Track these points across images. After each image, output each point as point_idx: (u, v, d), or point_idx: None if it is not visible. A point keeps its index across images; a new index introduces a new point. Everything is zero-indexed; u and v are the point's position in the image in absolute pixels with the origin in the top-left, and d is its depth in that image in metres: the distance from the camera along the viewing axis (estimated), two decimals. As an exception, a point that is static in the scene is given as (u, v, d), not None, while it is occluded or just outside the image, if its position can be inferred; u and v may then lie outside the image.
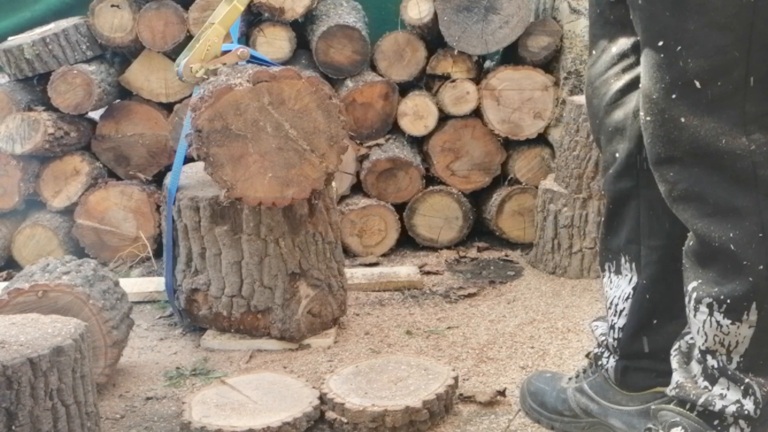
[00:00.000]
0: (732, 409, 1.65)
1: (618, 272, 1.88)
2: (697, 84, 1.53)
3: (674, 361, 1.75)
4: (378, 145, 3.42)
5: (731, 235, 1.57)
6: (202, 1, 3.26)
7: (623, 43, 1.77)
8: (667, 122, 1.57)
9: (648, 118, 1.59)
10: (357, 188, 3.41)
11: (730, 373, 1.65)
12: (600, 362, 1.97)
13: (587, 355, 2.04)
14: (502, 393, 2.25)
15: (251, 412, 2.08)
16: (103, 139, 3.42)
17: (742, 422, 1.66)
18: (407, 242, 3.43)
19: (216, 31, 2.54)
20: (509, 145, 3.43)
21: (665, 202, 1.70)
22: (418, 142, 3.49)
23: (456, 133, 3.37)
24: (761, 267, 1.57)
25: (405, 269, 3.18)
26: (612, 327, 1.90)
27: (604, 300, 1.93)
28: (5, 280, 3.11)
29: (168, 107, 3.41)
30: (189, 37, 3.13)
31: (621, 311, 1.87)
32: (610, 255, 1.89)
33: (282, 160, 2.40)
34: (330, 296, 2.62)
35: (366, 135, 3.42)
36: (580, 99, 3.02)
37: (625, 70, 1.78)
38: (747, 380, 1.64)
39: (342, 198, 3.37)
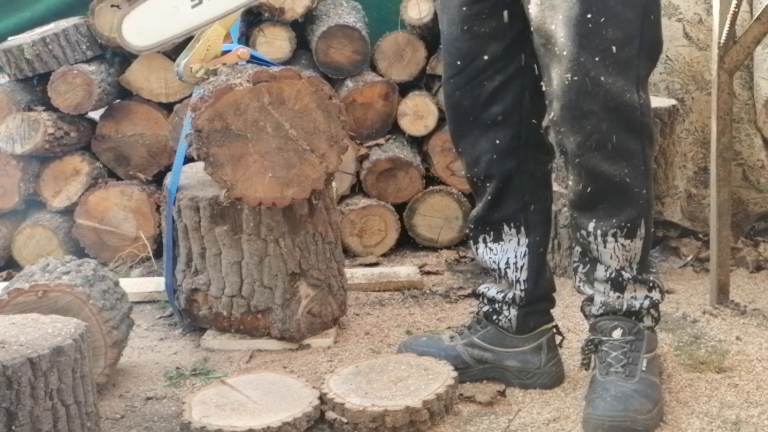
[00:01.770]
0: (646, 303, 2.14)
1: (497, 240, 2.28)
2: (614, 49, 1.96)
3: (586, 288, 2.17)
4: (378, 145, 3.42)
5: (626, 171, 2.03)
6: (202, 1, 3.26)
7: (494, 50, 2.14)
8: (591, 80, 1.96)
9: (575, 78, 1.97)
10: (357, 188, 3.41)
11: (639, 278, 2.13)
12: (495, 318, 2.31)
13: (477, 314, 2.37)
14: (502, 393, 2.25)
15: (251, 412, 2.08)
16: (103, 139, 3.42)
17: (652, 311, 2.17)
18: (407, 242, 3.43)
19: (216, 31, 2.54)
20: (509, 145, 3.42)
21: (542, 171, 2.26)
22: (418, 142, 3.50)
23: (456, 133, 3.37)
24: (644, 191, 2.07)
25: (405, 269, 3.18)
26: (517, 281, 2.27)
27: (490, 264, 2.29)
28: (5, 280, 3.11)
29: (168, 107, 3.41)
30: (189, 37, 3.13)
31: (522, 267, 2.27)
32: (488, 227, 2.28)
33: (282, 160, 2.40)
34: (330, 296, 2.62)
35: (366, 135, 3.42)
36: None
37: (496, 73, 2.16)
38: (650, 278, 2.15)
39: (342, 198, 3.37)
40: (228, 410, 2.09)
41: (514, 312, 2.29)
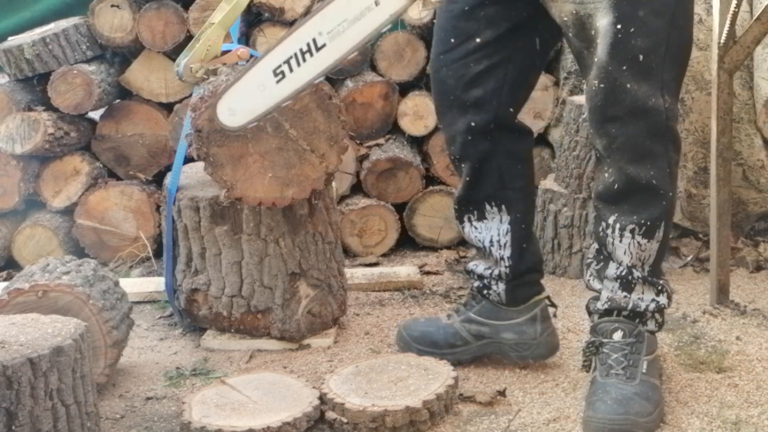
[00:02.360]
0: (652, 306, 2.18)
1: (481, 218, 2.35)
2: (641, 57, 2.02)
3: (595, 284, 2.23)
4: (378, 145, 3.42)
5: (652, 173, 2.09)
6: (202, 1, 3.26)
7: (488, 35, 2.21)
8: (617, 88, 2.03)
9: (602, 85, 2.05)
10: (357, 188, 3.41)
11: (649, 280, 2.17)
12: (486, 292, 2.39)
13: (470, 289, 2.45)
14: (502, 393, 2.25)
15: (251, 412, 2.08)
16: (103, 139, 3.42)
17: (657, 315, 2.21)
18: (407, 242, 3.43)
19: (216, 31, 2.54)
20: (509, 145, 3.42)
21: (519, 150, 2.33)
22: (418, 142, 3.49)
23: (456, 133, 3.37)
24: (670, 194, 2.13)
25: (405, 269, 3.18)
26: (501, 258, 2.35)
27: (476, 242, 2.37)
28: (5, 280, 3.11)
29: (168, 107, 3.41)
30: (189, 37, 3.13)
31: (505, 244, 2.34)
32: (471, 207, 2.35)
33: (282, 160, 2.40)
34: (330, 296, 2.62)
35: (366, 135, 3.42)
36: (580, 99, 3.02)
37: (484, 57, 2.22)
38: (660, 281, 2.19)
39: (342, 198, 3.36)
40: (228, 410, 2.09)
41: (502, 287, 2.36)
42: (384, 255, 3.36)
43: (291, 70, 2.16)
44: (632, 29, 2.01)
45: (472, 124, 2.27)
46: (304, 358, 2.52)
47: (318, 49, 2.13)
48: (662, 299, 2.20)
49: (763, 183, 3.25)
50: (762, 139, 3.23)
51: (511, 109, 2.30)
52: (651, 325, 2.21)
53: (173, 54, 3.20)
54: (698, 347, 2.49)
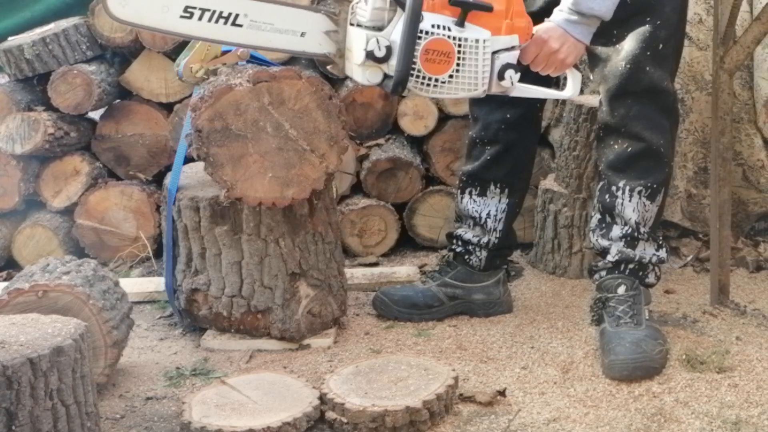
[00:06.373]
0: (654, 259, 2.56)
1: (482, 195, 2.74)
2: (660, 46, 2.44)
3: (603, 242, 2.56)
4: (378, 145, 3.42)
5: (661, 141, 2.49)
6: (202, 1, 3.26)
7: None
8: (639, 69, 2.43)
9: (628, 66, 2.44)
10: (357, 188, 3.41)
11: (651, 235, 2.54)
12: (466, 257, 2.77)
13: (445, 258, 2.83)
14: (502, 393, 2.25)
15: (251, 412, 2.08)
16: (103, 139, 3.42)
17: (656, 268, 2.58)
18: (407, 242, 3.43)
19: (216, 30, 2.53)
20: (509, 145, 3.42)
21: (533, 148, 2.80)
22: (418, 142, 3.49)
23: (456, 133, 3.37)
24: (671, 164, 2.55)
25: (405, 269, 3.17)
26: (495, 229, 2.74)
27: (472, 213, 2.73)
28: (5, 280, 3.11)
29: (168, 107, 3.41)
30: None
31: (501, 219, 2.74)
32: (476, 183, 2.74)
33: (282, 160, 2.40)
34: (330, 296, 2.62)
35: (366, 135, 3.42)
36: (581, 99, 3.02)
37: None
38: (660, 238, 2.58)
39: (342, 198, 3.36)
40: (228, 410, 2.09)
41: (484, 254, 2.76)
42: (384, 255, 3.36)
43: (199, 18, 2.14)
44: (658, 22, 2.41)
45: (508, 116, 2.66)
46: (304, 358, 2.52)
47: (232, 24, 2.16)
48: (662, 253, 2.57)
49: (763, 183, 3.25)
50: (762, 139, 3.23)
51: (538, 104, 2.70)
52: (651, 278, 2.57)
53: (173, 54, 3.20)
54: (698, 347, 2.49)
